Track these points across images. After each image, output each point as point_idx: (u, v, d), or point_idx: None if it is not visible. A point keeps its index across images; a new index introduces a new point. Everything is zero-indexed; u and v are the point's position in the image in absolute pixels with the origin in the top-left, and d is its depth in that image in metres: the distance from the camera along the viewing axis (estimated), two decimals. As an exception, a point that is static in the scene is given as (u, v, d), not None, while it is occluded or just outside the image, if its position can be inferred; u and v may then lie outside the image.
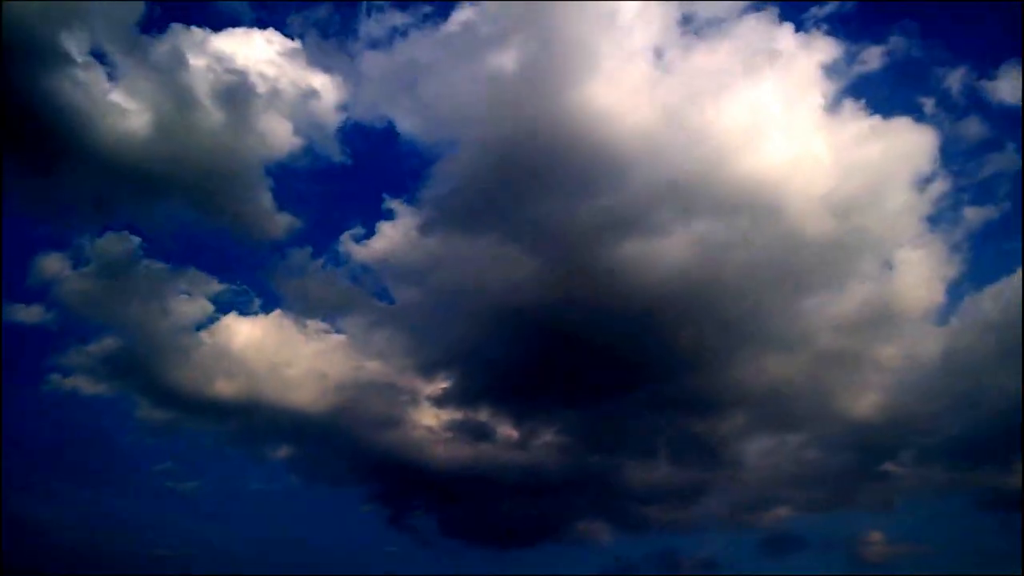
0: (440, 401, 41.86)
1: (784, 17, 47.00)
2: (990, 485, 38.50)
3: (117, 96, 37.89)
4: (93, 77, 36.88)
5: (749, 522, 40.77)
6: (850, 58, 46.49)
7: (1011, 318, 38.21)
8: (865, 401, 40.22)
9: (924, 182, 43.07)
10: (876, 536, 38.21)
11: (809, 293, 41.10)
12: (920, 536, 37.60)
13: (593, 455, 42.70)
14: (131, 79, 38.31)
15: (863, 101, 44.70)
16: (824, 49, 46.36)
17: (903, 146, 42.75)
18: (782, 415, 40.86)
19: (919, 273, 41.55)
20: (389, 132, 45.01)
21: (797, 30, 47.29)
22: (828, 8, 47.93)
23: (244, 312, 40.95)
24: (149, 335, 40.61)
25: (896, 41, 48.00)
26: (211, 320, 40.23)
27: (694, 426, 42.25)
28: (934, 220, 43.40)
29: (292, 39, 43.07)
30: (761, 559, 38.78)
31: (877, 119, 43.99)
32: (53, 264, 38.38)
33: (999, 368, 38.13)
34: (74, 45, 36.59)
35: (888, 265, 42.20)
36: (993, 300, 40.93)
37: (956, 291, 42.31)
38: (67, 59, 35.90)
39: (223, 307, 40.69)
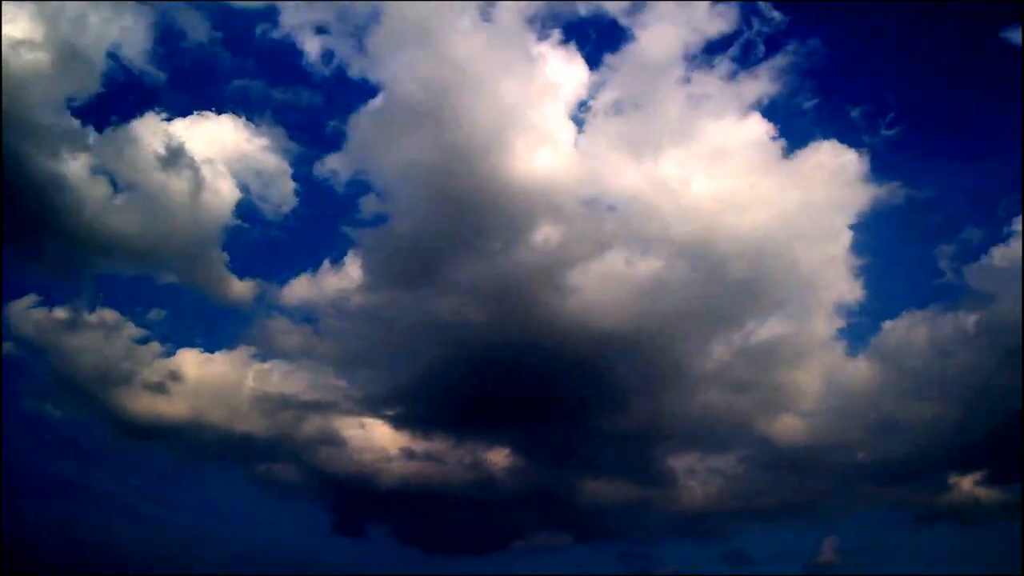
0: (396, 425, 43.53)
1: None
2: (925, 503, 41.03)
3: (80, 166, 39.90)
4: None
5: (695, 533, 42.86)
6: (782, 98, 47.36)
7: (917, 349, 41.65)
8: (789, 425, 42.98)
9: (846, 219, 44.70)
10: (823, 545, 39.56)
11: (737, 326, 43.45)
12: (863, 546, 39.22)
13: (543, 473, 44.97)
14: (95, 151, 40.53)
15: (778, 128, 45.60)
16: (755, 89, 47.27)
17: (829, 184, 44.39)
18: (716, 439, 43.84)
19: (837, 306, 43.77)
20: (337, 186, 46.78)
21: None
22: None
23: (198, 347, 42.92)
24: (108, 367, 41.34)
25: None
26: (167, 355, 41.94)
27: (637, 448, 44.54)
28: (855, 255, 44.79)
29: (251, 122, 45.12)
30: (709, 566, 40.22)
31: (801, 152, 45.27)
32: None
33: (911, 396, 41.26)
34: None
35: (809, 299, 44.12)
36: (903, 331, 43.29)
37: (867, 323, 44.29)
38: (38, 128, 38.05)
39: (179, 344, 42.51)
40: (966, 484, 40.51)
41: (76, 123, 40.05)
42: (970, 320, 40.90)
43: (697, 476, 43.85)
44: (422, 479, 43.42)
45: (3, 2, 39.51)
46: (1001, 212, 42.45)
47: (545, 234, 42.02)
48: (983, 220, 43.96)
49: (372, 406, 43.38)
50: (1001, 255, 41.00)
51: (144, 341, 41.84)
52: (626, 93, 46.76)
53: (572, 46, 46.83)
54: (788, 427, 43.28)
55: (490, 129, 41.87)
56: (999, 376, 37.72)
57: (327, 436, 43.53)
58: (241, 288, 43.04)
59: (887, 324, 43.63)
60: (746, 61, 47.00)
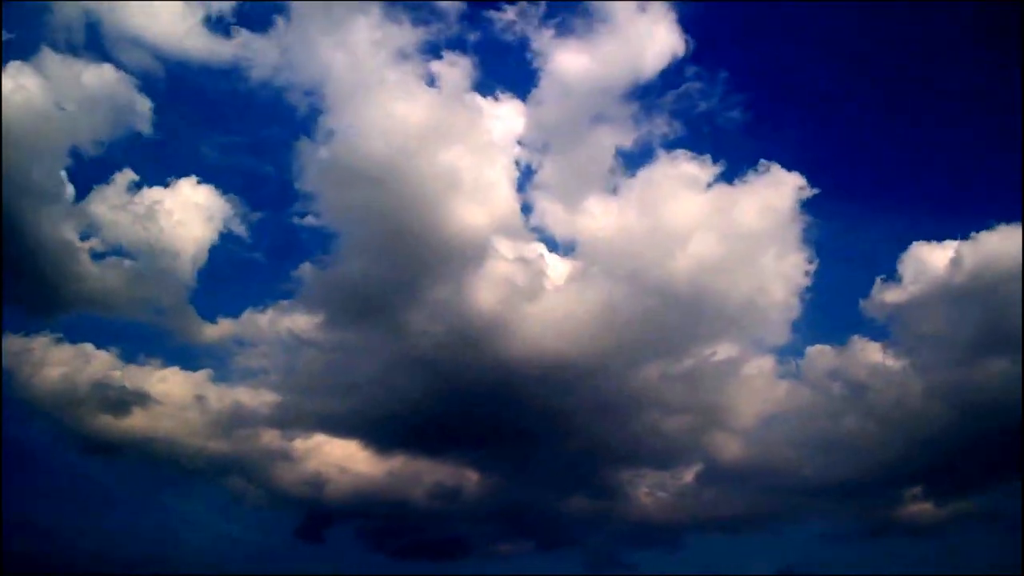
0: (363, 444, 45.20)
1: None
2: (870, 516, 42.96)
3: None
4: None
5: (651, 543, 44.06)
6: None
7: (850, 373, 43.97)
8: (731, 444, 45.12)
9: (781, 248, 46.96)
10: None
11: (679, 352, 45.35)
12: (819, 554, 40.33)
13: (505, 490, 46.23)
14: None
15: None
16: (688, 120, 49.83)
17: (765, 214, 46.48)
18: (666, 457, 45.66)
19: (773, 331, 45.88)
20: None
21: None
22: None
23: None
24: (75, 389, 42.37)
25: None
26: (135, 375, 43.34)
27: (593, 466, 46.34)
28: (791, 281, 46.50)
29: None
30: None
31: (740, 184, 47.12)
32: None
33: (843, 418, 43.48)
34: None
35: (746, 325, 46.00)
36: (834, 357, 45.37)
37: (802, 348, 46.13)
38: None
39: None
40: (907, 499, 43.06)
41: (59, 180, 42.58)
42: (896, 352, 43.35)
43: (650, 491, 45.62)
44: (386, 493, 44.78)
45: (3, 2, 40.40)
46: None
47: (492, 275, 44.19)
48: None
49: (335, 426, 45.11)
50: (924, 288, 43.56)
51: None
52: (562, 137, 49.29)
53: (511, 97, 49.31)
54: (730, 445, 45.34)
55: (436, 184, 44.38)
56: (927, 402, 41.10)
57: (287, 453, 44.91)
58: (209, 329, 45.24)
59: (824, 349, 45.72)
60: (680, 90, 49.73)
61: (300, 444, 44.61)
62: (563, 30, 49.85)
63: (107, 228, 43.49)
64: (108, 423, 41.33)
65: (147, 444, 41.68)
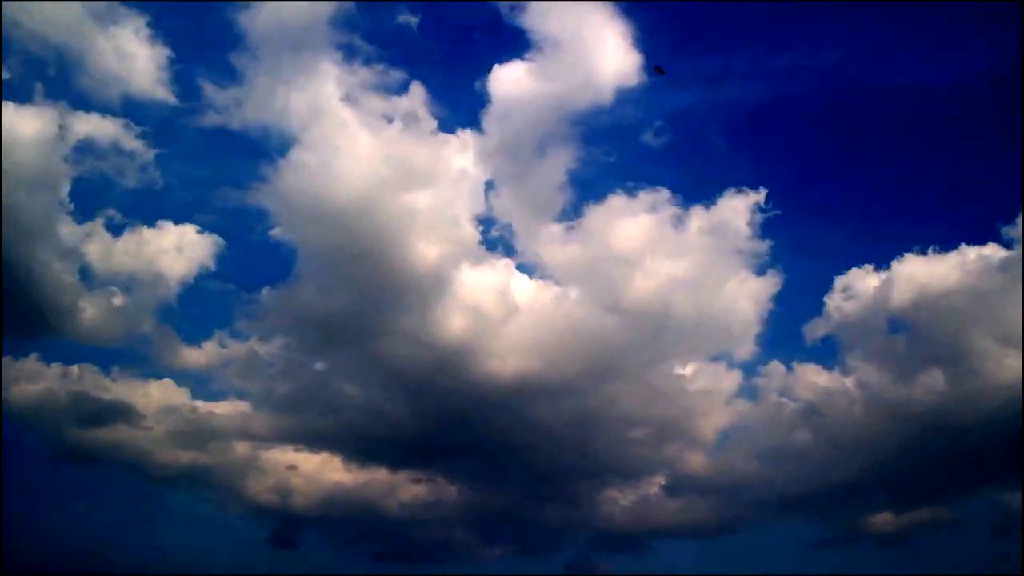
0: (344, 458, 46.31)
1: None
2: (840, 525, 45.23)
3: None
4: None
5: (621, 549, 45.80)
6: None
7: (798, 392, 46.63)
8: (696, 458, 47.21)
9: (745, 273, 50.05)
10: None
11: (649, 368, 47.86)
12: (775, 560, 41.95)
13: (486, 500, 47.32)
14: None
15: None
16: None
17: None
18: (633, 470, 47.67)
19: (732, 348, 48.64)
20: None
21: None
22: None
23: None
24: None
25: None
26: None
27: (567, 478, 47.74)
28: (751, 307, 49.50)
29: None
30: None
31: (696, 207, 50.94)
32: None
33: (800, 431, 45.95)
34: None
35: (709, 347, 49.02)
36: (783, 374, 48.00)
37: (755, 365, 48.65)
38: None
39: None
40: (868, 509, 45.15)
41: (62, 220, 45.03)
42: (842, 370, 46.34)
43: (619, 500, 47.33)
44: (363, 502, 45.76)
45: (3, 2, 41.08)
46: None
47: (457, 301, 46.48)
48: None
49: (312, 441, 46.36)
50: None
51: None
52: (518, 164, 52.00)
53: (467, 128, 51.83)
54: (692, 458, 47.60)
55: (398, 219, 46.54)
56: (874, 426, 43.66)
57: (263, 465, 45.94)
58: (190, 353, 47.39)
59: (779, 367, 48.15)
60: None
61: (278, 456, 45.83)
62: (516, 57, 52.69)
63: (98, 263, 46.08)
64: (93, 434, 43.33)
65: (127, 454, 43.36)
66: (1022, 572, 33.82)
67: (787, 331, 49.41)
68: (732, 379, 47.25)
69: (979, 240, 44.40)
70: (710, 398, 46.71)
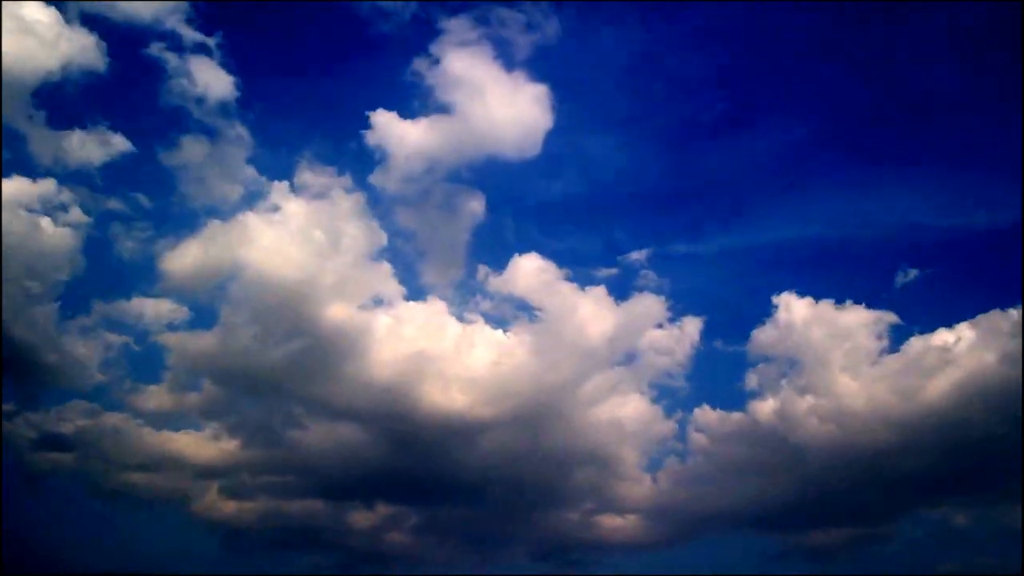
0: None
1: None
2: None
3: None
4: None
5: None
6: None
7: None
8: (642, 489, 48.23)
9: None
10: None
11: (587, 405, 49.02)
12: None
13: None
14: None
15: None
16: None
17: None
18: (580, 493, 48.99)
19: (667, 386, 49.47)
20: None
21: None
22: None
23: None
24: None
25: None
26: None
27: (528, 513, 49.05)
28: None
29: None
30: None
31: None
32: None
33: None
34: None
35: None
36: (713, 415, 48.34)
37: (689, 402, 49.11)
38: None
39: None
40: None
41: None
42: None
43: (565, 520, 48.70)
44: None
45: (3, 2, 40.28)
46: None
47: (391, 348, 47.51)
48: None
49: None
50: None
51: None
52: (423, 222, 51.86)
53: (377, 180, 50.72)
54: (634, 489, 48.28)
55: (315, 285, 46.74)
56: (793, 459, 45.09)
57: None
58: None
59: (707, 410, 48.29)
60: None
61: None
62: (417, 113, 51.65)
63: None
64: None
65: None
66: (1022, 572, 34.70)
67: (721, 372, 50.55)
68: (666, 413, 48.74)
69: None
70: (645, 431, 48.60)
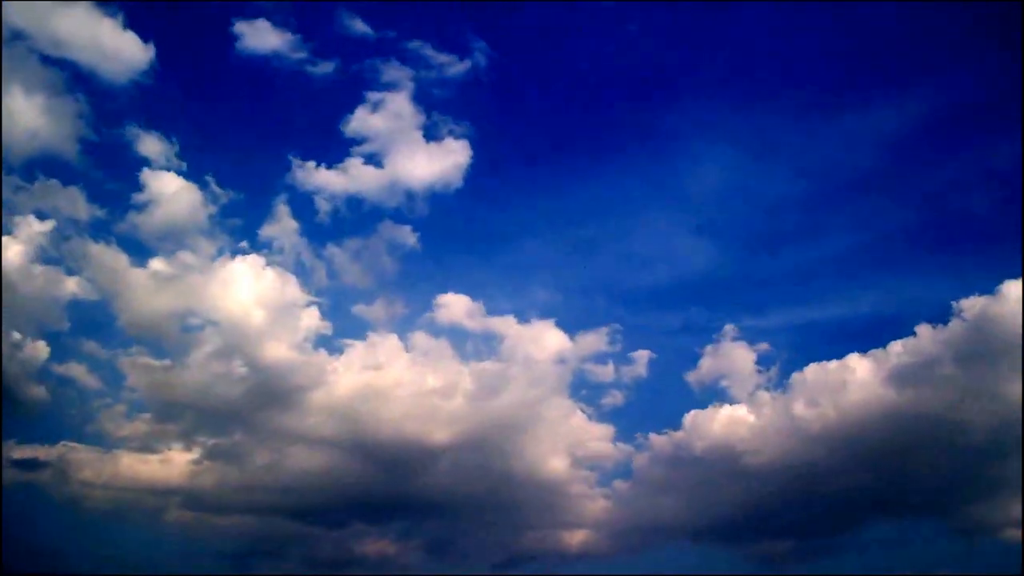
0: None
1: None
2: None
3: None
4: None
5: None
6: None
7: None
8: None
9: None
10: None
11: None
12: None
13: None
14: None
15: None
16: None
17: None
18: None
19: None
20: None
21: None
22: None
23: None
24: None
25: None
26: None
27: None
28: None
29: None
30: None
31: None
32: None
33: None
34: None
35: None
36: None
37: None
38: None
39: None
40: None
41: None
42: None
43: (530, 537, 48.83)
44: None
45: (3, 1, 42.69)
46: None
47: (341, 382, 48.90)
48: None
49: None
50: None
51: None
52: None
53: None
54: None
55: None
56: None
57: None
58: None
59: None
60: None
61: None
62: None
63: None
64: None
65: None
66: (1022, 572, 34.03)
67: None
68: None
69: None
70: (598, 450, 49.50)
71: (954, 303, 44.05)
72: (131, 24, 48.95)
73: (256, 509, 47.79)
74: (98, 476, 45.87)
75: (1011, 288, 42.02)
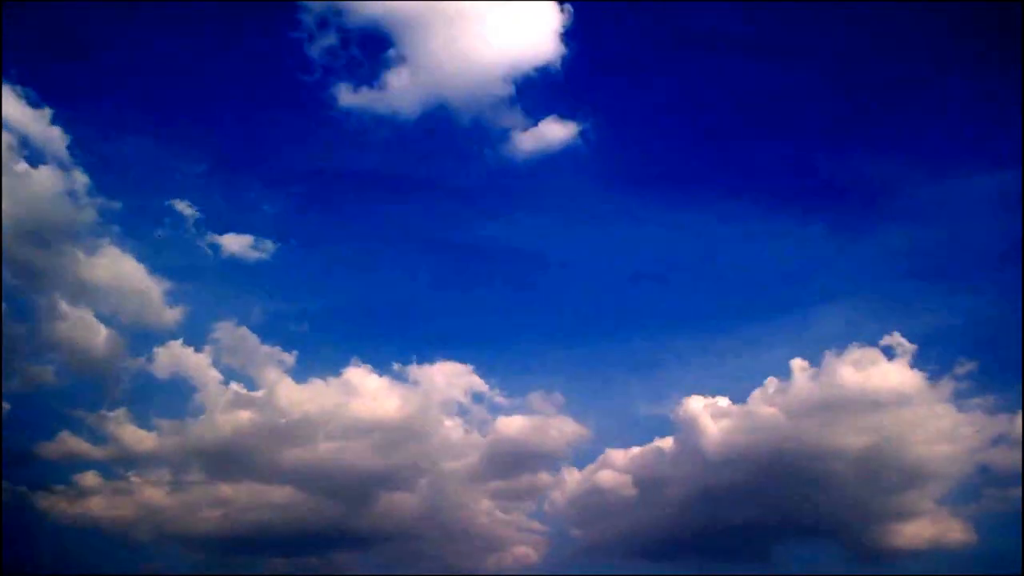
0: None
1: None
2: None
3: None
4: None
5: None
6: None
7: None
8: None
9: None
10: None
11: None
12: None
13: None
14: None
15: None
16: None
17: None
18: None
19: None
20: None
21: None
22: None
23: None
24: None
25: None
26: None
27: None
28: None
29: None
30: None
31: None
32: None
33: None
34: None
35: None
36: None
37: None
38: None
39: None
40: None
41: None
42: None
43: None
44: None
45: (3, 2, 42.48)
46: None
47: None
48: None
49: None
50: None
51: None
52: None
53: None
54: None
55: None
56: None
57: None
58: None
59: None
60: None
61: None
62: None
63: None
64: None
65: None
66: (1022, 572, 33.81)
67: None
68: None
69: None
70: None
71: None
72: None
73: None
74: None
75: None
